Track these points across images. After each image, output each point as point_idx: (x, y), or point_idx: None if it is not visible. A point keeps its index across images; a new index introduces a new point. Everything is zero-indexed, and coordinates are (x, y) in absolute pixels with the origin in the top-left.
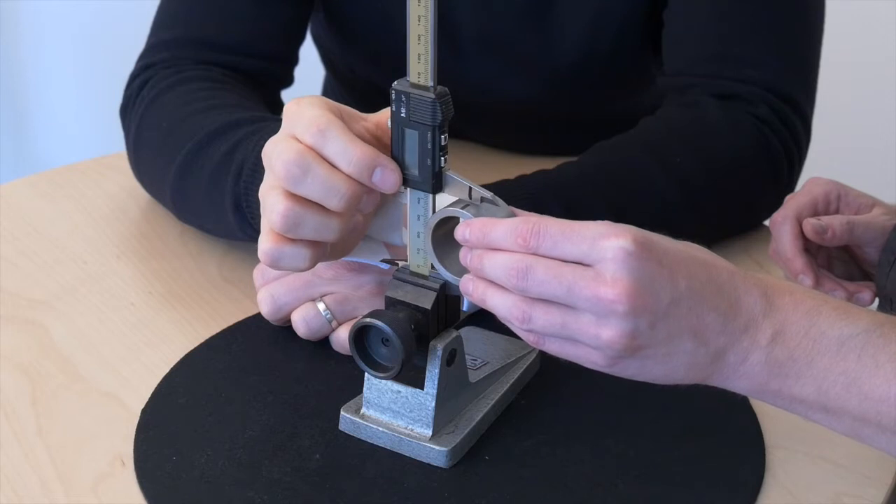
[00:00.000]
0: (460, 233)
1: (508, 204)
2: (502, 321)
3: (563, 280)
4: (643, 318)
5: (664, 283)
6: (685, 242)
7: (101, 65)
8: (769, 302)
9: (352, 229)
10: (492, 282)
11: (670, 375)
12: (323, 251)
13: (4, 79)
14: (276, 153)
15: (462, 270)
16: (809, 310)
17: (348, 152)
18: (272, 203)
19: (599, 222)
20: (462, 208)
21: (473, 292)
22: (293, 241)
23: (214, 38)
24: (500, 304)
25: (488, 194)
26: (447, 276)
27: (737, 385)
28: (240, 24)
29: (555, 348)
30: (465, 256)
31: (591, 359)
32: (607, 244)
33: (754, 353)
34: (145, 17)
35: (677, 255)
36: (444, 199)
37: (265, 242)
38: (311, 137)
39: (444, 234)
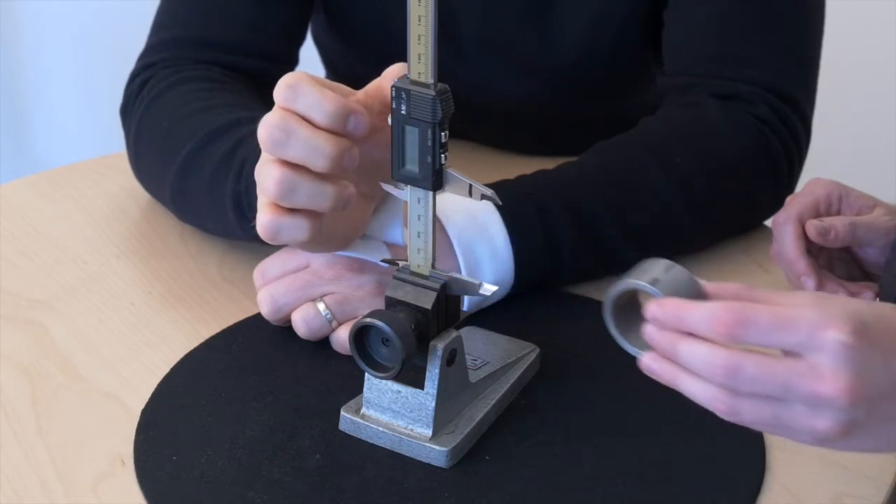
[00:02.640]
0: (651, 312)
1: (508, 204)
2: (700, 404)
3: (778, 378)
4: (861, 408)
5: (881, 370)
6: (891, 307)
7: (101, 65)
8: None
9: (346, 204)
10: (684, 366)
11: (878, 448)
12: (321, 224)
13: (4, 79)
14: (261, 122)
15: (641, 340)
16: None
17: (321, 104)
18: (266, 172)
19: (809, 305)
20: (651, 282)
21: (661, 374)
22: (291, 211)
23: (214, 38)
24: (701, 394)
25: (489, 192)
26: (629, 348)
27: None
28: (240, 24)
29: (759, 428)
30: (652, 336)
31: (800, 440)
32: (824, 337)
33: None
34: (145, 17)
35: (890, 331)
36: (444, 198)
37: (263, 215)
38: (281, 95)
39: (626, 304)
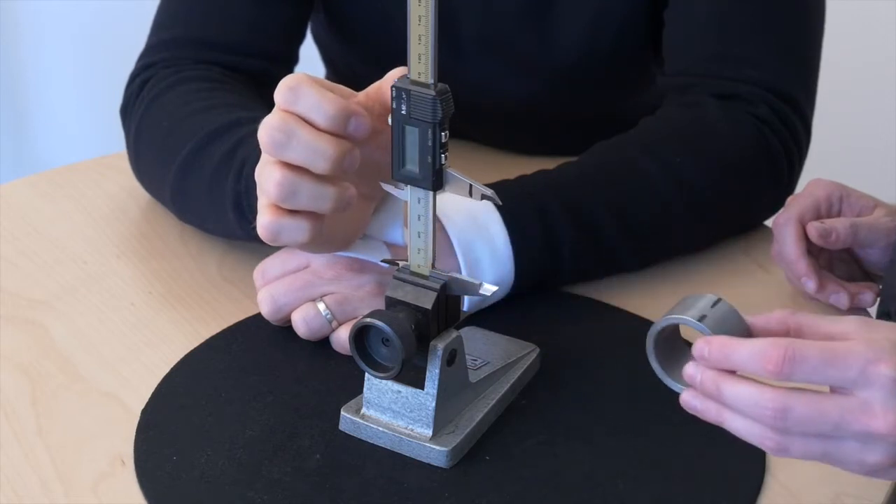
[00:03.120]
0: (698, 350)
1: (508, 204)
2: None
3: (829, 417)
4: None
5: None
6: None
7: (101, 65)
8: None
9: (347, 206)
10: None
11: None
12: (321, 226)
13: (4, 79)
14: (262, 124)
15: (681, 375)
16: None
17: (322, 106)
18: (267, 174)
19: (856, 339)
20: (699, 318)
21: (704, 412)
22: (291, 213)
23: (214, 38)
24: (748, 432)
25: (489, 192)
26: (670, 383)
27: None
28: (240, 23)
29: (810, 459)
30: (693, 376)
31: (849, 469)
32: (875, 372)
33: None
34: (145, 17)
35: None
36: (444, 198)
37: (264, 217)
38: (282, 97)
39: (666, 337)
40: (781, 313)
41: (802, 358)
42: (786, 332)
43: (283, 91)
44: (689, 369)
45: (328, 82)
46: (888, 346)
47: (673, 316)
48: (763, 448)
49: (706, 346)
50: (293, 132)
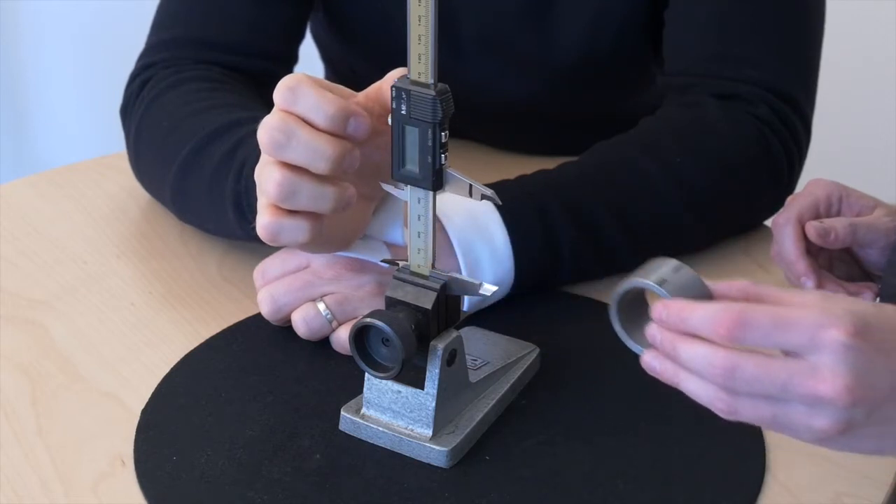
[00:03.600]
0: (657, 313)
1: (508, 204)
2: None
3: (776, 379)
4: (860, 410)
5: (883, 373)
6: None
7: (101, 65)
8: None
9: (346, 205)
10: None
11: (880, 450)
12: (321, 226)
13: (4, 79)
14: (262, 124)
15: (644, 337)
16: None
17: (321, 106)
18: (267, 175)
19: (811, 307)
20: (659, 282)
21: (662, 372)
22: (291, 213)
23: (214, 38)
24: (701, 393)
25: (489, 192)
26: (632, 345)
27: None
28: (240, 23)
29: (758, 424)
30: (654, 336)
31: (798, 436)
32: (825, 337)
33: None
34: (145, 17)
35: (894, 334)
36: (444, 198)
37: (264, 217)
38: (281, 97)
39: (632, 300)
40: (745, 283)
41: (753, 322)
42: (746, 301)
43: (282, 91)
44: (650, 331)
45: (327, 82)
46: (841, 313)
47: (635, 279)
48: (714, 410)
49: (664, 309)
50: (293, 132)
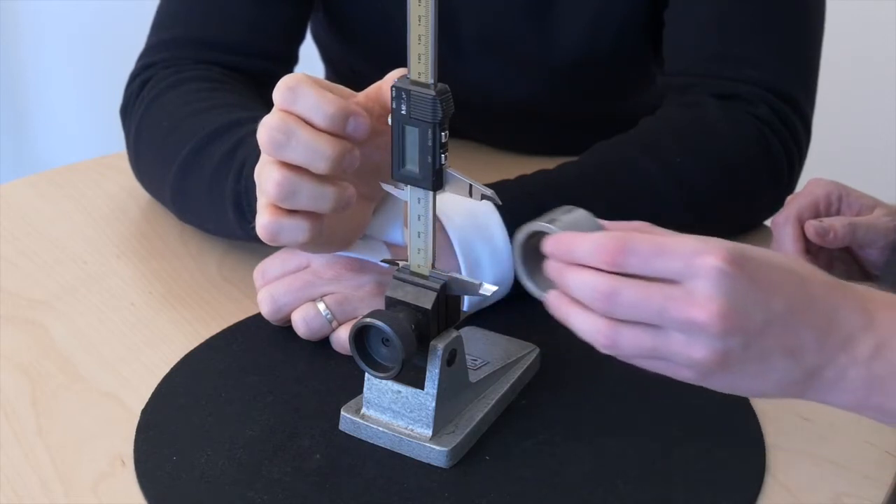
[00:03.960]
0: (546, 246)
1: (508, 204)
2: (585, 339)
3: (653, 303)
4: (736, 339)
5: (758, 303)
6: (782, 255)
7: (100, 65)
8: (869, 316)
9: (346, 205)
10: (576, 300)
11: (762, 390)
12: (321, 226)
13: (4, 79)
14: (261, 124)
15: (551, 284)
16: None
17: (321, 106)
18: (267, 174)
19: (689, 237)
20: (550, 221)
21: (557, 309)
22: (291, 213)
23: (214, 38)
24: (584, 327)
25: (489, 192)
26: (534, 291)
27: (834, 400)
28: (240, 23)
29: (642, 364)
30: (549, 269)
31: (681, 374)
32: (701, 262)
33: (853, 369)
34: (145, 17)
35: (772, 271)
36: (444, 198)
37: (263, 217)
38: (281, 97)
39: (532, 247)
40: (639, 222)
41: (634, 249)
42: None
43: (281, 91)
44: (548, 263)
45: (327, 82)
46: (720, 243)
47: (527, 224)
48: (596, 344)
49: (554, 242)
50: (292, 132)
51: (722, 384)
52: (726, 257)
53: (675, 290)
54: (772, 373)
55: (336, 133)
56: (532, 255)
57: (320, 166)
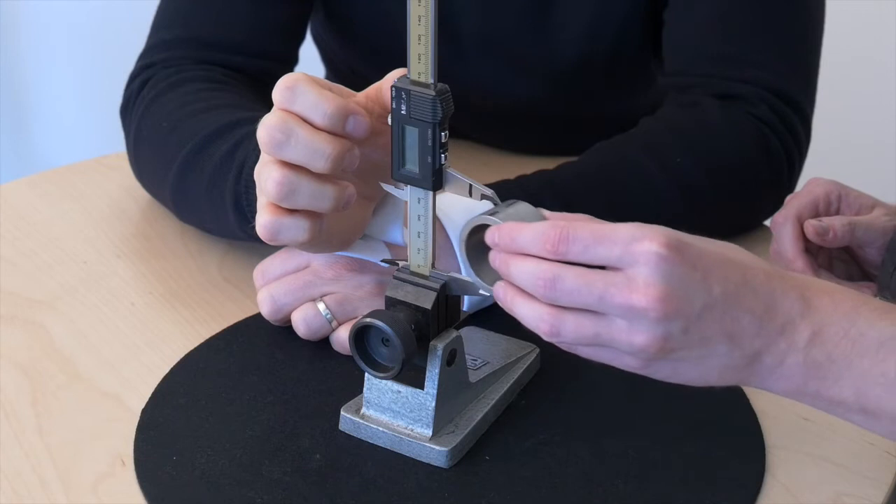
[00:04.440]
0: (489, 237)
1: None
2: (530, 328)
3: (594, 289)
4: (676, 323)
5: (697, 288)
6: (720, 243)
7: (100, 64)
8: (807, 303)
9: (346, 204)
10: (521, 289)
11: (704, 377)
12: (321, 225)
13: (4, 79)
14: (261, 123)
15: (497, 277)
16: (848, 311)
17: (320, 105)
18: (267, 173)
19: (629, 224)
20: (492, 214)
21: (504, 299)
22: (291, 212)
23: (214, 38)
24: (528, 315)
25: (489, 192)
26: (480, 284)
27: (773, 387)
28: (239, 23)
29: (586, 353)
30: (494, 260)
31: (624, 362)
32: (639, 248)
33: (791, 356)
34: (145, 16)
35: (711, 258)
36: (444, 198)
37: (263, 216)
38: (280, 96)
39: (477, 242)
40: (582, 215)
41: (575, 236)
42: None
43: (281, 90)
44: (492, 254)
45: (327, 82)
46: (659, 229)
47: (471, 219)
48: (541, 334)
49: (496, 232)
50: (292, 131)
51: (665, 372)
52: (665, 243)
53: (617, 277)
54: (713, 358)
55: (335, 132)
56: (478, 250)
57: (320, 165)
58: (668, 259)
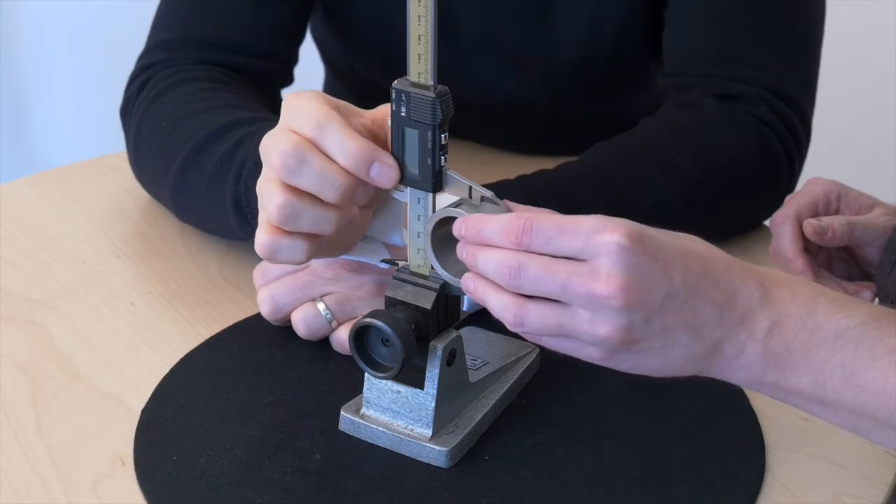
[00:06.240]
0: (456, 229)
1: None
2: (496, 316)
3: (557, 277)
4: (638, 313)
5: (659, 278)
6: (681, 234)
7: (100, 65)
8: (766, 293)
9: (349, 224)
10: (488, 279)
11: (667, 368)
12: (319, 244)
13: (4, 79)
14: (274, 144)
15: (464, 269)
16: (807, 302)
17: (346, 146)
18: (269, 195)
19: (593, 216)
20: (459, 207)
21: (474, 290)
22: (290, 233)
23: (214, 38)
24: (495, 304)
25: (488, 193)
26: (447, 276)
27: (734, 377)
28: (239, 23)
29: (551, 343)
30: (461, 251)
31: (588, 353)
32: (601, 239)
33: (751, 345)
34: (145, 17)
35: (672, 249)
36: (444, 199)
37: (262, 234)
38: (309, 130)
39: (443, 235)
40: (548, 210)
41: (539, 227)
42: None
43: (311, 125)
44: (459, 246)
45: (341, 103)
46: (620, 221)
47: (436, 212)
48: (506, 323)
49: (463, 224)
50: (306, 159)
51: (628, 363)
52: (626, 234)
53: (580, 266)
54: (675, 348)
55: (358, 178)
56: (444, 242)
57: (329, 196)
58: (629, 250)
